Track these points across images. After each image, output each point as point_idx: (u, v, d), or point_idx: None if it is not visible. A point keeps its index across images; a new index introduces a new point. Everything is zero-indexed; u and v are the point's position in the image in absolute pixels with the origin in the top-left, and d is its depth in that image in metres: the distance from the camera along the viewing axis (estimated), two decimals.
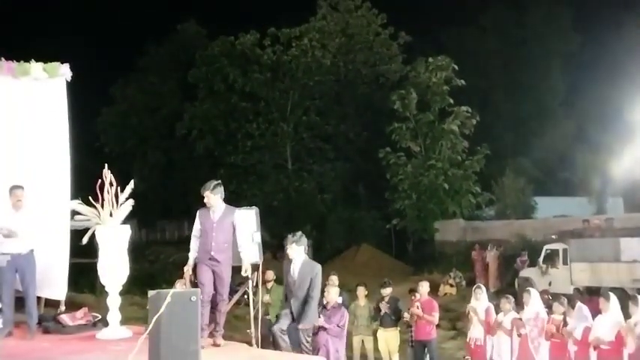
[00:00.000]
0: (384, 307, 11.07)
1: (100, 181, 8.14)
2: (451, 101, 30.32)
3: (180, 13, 39.01)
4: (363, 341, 11.35)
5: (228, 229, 7.73)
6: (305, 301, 7.87)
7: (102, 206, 8.18)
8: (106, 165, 8.21)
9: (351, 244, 31.28)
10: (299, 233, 8.22)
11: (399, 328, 11.34)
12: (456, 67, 30.42)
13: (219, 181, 7.98)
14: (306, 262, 8.09)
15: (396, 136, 30.58)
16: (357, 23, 35.97)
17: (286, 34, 34.83)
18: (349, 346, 10.57)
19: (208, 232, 7.69)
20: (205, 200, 7.78)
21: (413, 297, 11.24)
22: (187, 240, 8.05)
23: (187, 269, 7.76)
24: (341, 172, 35.05)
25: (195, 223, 7.89)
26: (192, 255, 7.77)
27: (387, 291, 11.25)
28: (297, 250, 8.07)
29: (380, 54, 36.19)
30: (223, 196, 7.86)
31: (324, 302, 9.37)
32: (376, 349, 11.45)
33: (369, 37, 36.11)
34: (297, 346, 7.83)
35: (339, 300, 9.70)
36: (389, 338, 11.25)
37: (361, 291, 11.42)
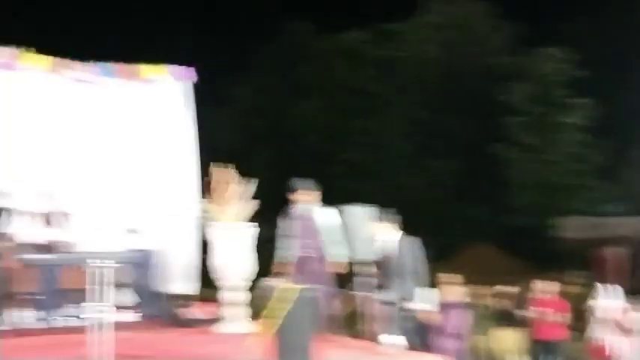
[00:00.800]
0: (502, 306, 10.83)
1: (217, 180, 8.43)
2: (570, 93, 29.21)
3: (288, 11, 39.43)
4: (480, 341, 11.15)
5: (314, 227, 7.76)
6: (408, 278, 7.73)
7: (223, 204, 8.47)
8: (230, 166, 8.49)
9: (466, 242, 30.73)
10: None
11: (517, 328, 11.05)
12: (577, 57, 29.25)
13: (309, 180, 8.13)
14: (403, 238, 7.97)
15: (510, 130, 29.81)
16: (467, 14, 35.27)
17: (394, 29, 34.63)
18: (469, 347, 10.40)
19: (304, 230, 7.75)
20: (296, 198, 7.84)
21: (536, 296, 10.91)
22: None
23: (285, 268, 7.82)
24: (452, 168, 34.53)
25: (288, 222, 7.92)
26: (288, 253, 7.82)
27: (504, 289, 10.99)
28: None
29: (492, 45, 35.32)
30: (313, 195, 7.89)
31: (443, 301, 9.28)
32: (494, 349, 11.21)
33: (481, 28, 35.32)
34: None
35: (457, 299, 9.58)
36: (507, 338, 10.99)
37: (477, 289, 11.23)
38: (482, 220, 31.67)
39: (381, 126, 34.82)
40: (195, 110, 10.20)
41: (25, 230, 8.43)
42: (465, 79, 35.44)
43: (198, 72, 10.44)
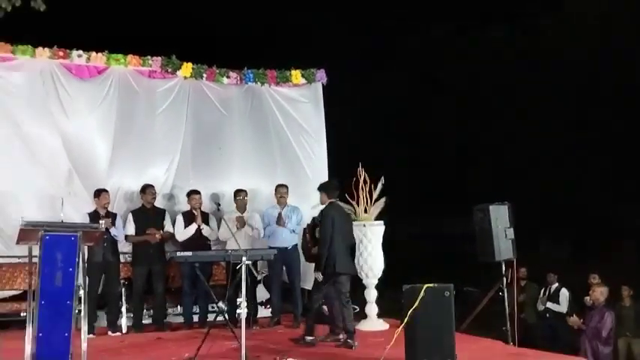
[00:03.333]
0: None
1: (354, 179, 8.57)
2: None
3: (428, 9, 39.02)
4: (629, 344, 10.61)
5: None
6: None
7: (357, 203, 8.62)
8: (360, 164, 8.61)
9: (616, 240, 29.17)
10: None
11: None
12: None
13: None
14: None
15: None
16: (614, 4, 33.47)
17: (537, 23, 33.46)
18: (615, 350, 9.93)
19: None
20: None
21: None
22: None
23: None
24: (600, 164, 32.88)
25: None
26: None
27: None
28: None
29: None
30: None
31: (589, 302, 8.95)
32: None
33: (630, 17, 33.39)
34: None
35: (604, 300, 9.20)
36: None
37: (626, 290, 10.70)
38: (634, 218, 29.96)
39: (523, 122, 33.78)
40: (327, 110, 10.47)
41: (179, 228, 8.97)
42: (614, 72, 33.66)
43: (334, 72, 10.68)
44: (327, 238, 7.35)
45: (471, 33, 34.89)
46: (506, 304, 8.63)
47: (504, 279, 8.37)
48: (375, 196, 8.62)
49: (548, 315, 11.38)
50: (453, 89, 35.95)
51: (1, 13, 11.39)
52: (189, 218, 8.99)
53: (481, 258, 8.39)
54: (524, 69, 33.80)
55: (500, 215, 8.34)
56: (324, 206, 7.70)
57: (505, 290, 8.51)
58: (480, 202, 8.51)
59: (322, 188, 7.86)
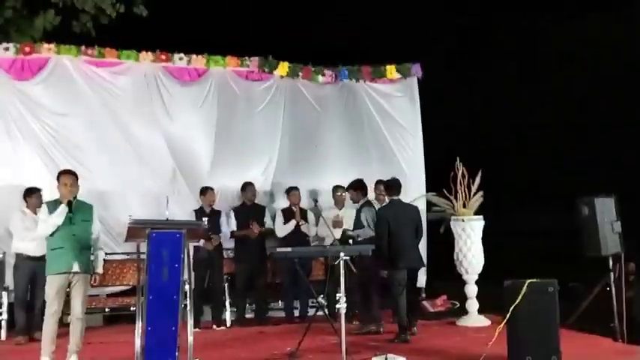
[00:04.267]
0: None
1: (452, 173, 8.47)
2: None
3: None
4: None
5: None
6: None
7: (455, 198, 8.51)
8: (458, 158, 8.50)
9: None
10: None
11: None
12: None
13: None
14: None
15: None
16: None
17: (633, 12, 31.91)
18: None
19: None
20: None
21: None
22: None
23: None
24: None
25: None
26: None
27: None
28: None
29: None
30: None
31: None
32: None
33: None
34: None
35: None
36: None
37: None
38: None
39: (632, 114, 32.34)
40: (422, 103, 10.40)
41: (278, 224, 9.15)
42: None
43: (429, 64, 10.60)
44: (384, 235, 7.60)
45: (567, 22, 33.66)
46: (614, 300, 8.31)
47: (612, 274, 8.07)
48: (473, 190, 8.49)
49: None
50: (548, 79, 34.80)
51: (105, 20, 11.97)
52: (288, 214, 9.15)
53: (586, 253, 8.12)
54: (619, 59, 32.28)
55: (606, 208, 8.02)
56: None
57: (613, 286, 8.20)
58: (584, 195, 8.24)
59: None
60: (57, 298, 6.12)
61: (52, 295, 6.11)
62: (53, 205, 6.24)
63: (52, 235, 6.17)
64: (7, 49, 8.86)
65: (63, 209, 6.16)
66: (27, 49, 8.96)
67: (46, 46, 9.05)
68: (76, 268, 6.14)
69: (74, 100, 9.07)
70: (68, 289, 6.20)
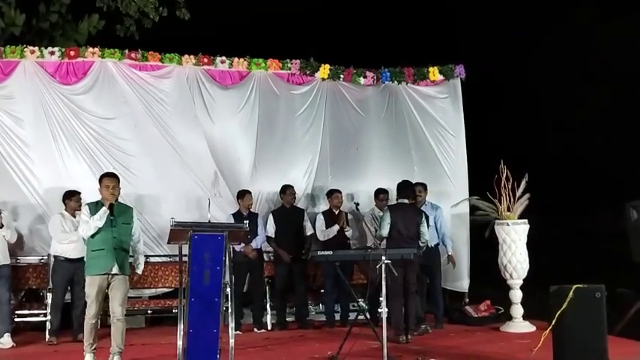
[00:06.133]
0: None
1: (496, 176, 8.33)
2: None
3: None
4: None
5: None
6: None
7: (499, 201, 8.37)
8: (502, 161, 8.35)
9: None
10: None
11: None
12: None
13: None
14: None
15: None
16: None
17: None
18: None
19: None
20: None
21: None
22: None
23: None
24: None
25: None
26: None
27: None
28: None
29: None
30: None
31: None
32: None
33: None
34: None
35: None
36: None
37: None
38: None
39: None
40: (465, 105, 10.26)
41: (319, 228, 9.10)
42: None
43: (472, 66, 10.46)
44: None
45: (616, 19, 32.89)
46: None
47: None
48: (518, 193, 8.33)
49: None
50: (597, 78, 34.05)
51: (149, 23, 12.12)
52: (329, 217, 9.10)
53: (635, 258, 7.93)
54: None
55: None
56: None
57: None
58: (633, 199, 8.04)
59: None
60: (97, 299, 6.19)
61: (92, 296, 6.19)
62: (95, 207, 6.32)
63: (92, 236, 6.25)
64: (52, 53, 9.00)
65: (104, 212, 6.22)
66: (72, 53, 9.09)
67: (90, 50, 9.16)
68: (115, 269, 6.20)
69: (118, 103, 9.17)
70: (107, 291, 6.26)
